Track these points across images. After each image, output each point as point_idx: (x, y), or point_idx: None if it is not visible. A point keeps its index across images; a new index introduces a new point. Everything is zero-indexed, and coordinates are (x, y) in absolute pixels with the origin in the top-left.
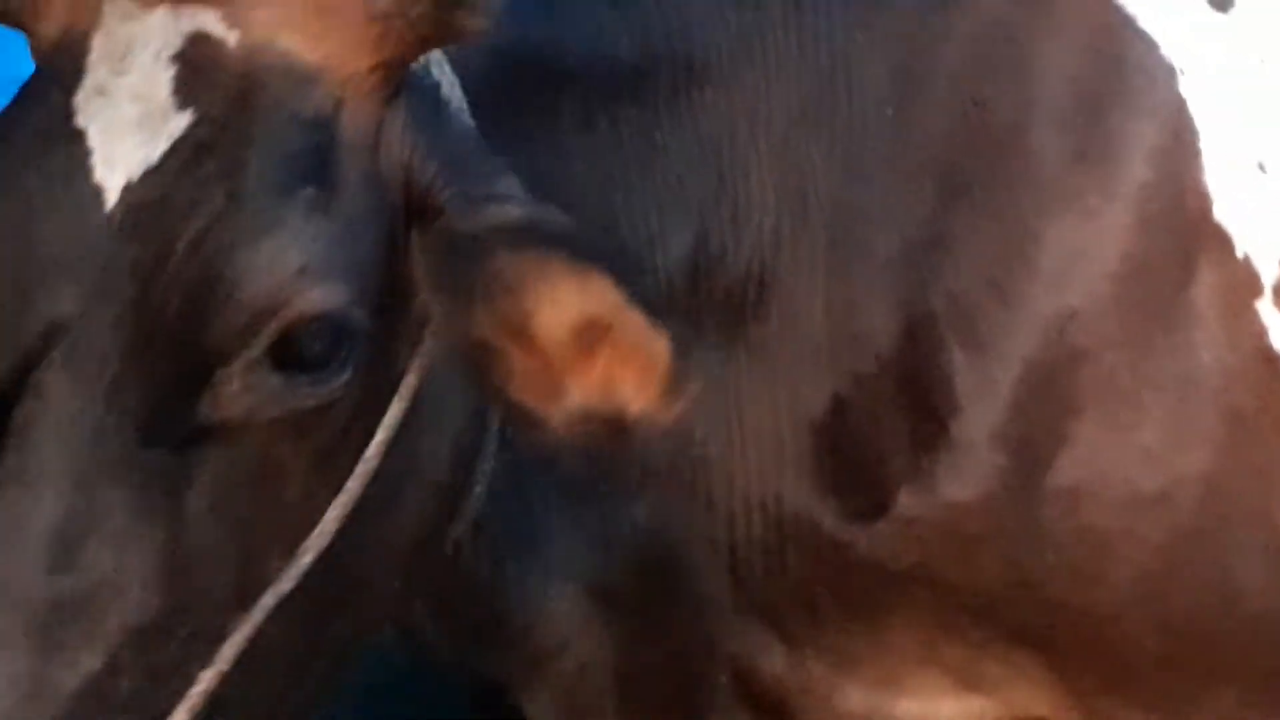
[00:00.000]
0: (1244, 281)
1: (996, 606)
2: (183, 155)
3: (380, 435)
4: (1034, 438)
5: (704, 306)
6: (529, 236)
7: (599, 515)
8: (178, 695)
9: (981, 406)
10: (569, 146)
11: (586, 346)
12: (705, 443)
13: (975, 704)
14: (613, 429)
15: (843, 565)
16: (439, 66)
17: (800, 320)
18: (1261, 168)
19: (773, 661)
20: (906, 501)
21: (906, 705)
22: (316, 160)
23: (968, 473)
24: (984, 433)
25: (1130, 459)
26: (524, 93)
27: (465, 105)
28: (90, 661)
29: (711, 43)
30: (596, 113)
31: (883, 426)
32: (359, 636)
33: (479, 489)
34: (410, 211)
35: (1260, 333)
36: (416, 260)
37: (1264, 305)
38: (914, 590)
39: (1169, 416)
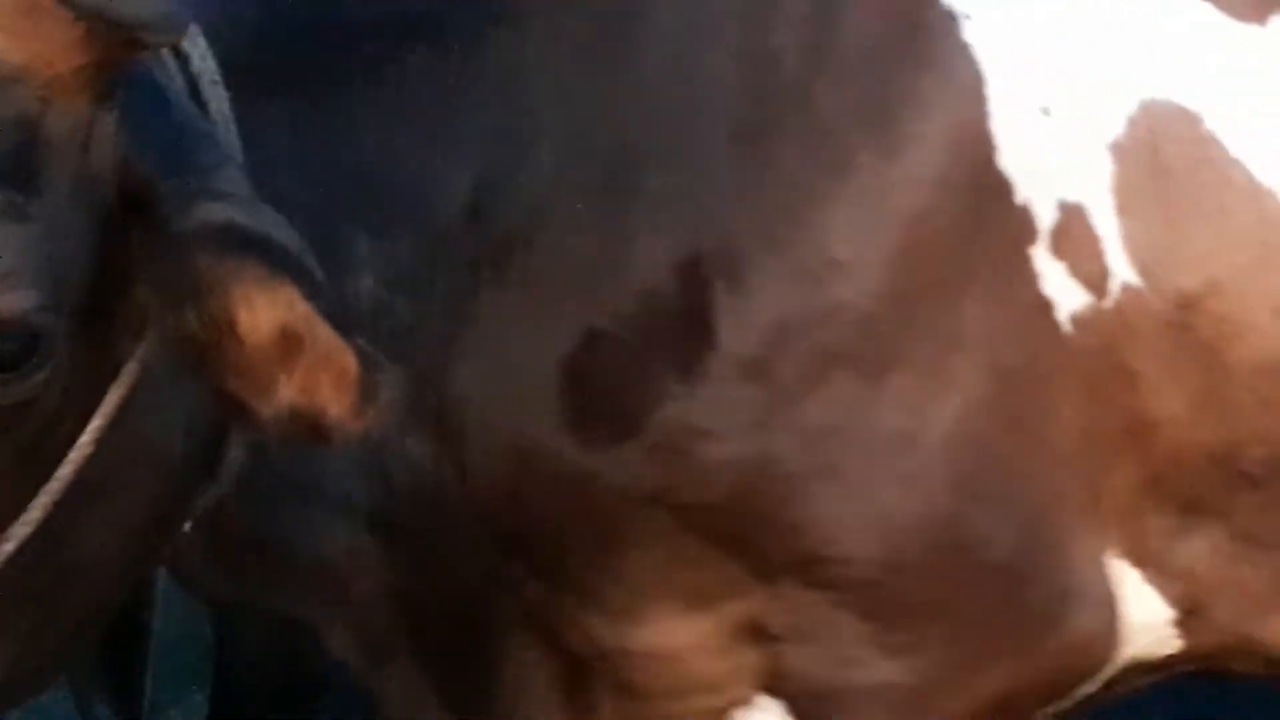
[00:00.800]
0: (1020, 228)
1: (731, 531)
2: None
3: (96, 422)
4: (787, 377)
5: (482, 246)
6: (229, 240)
7: (374, 449)
8: None
9: (739, 344)
10: (356, 98)
11: (287, 351)
12: (467, 380)
13: (706, 625)
14: (313, 430)
15: (583, 495)
16: (191, 41)
17: (569, 256)
18: (1045, 111)
19: (533, 591)
20: (653, 429)
21: (645, 634)
22: (16, 162)
23: (718, 404)
24: (738, 369)
25: (883, 405)
26: (306, 53)
27: (218, 80)
28: None
29: None
30: (385, 61)
31: (636, 358)
32: (95, 609)
33: (234, 454)
34: (127, 207)
35: (1033, 279)
36: (136, 253)
37: (1038, 252)
38: (652, 517)
39: (930, 365)
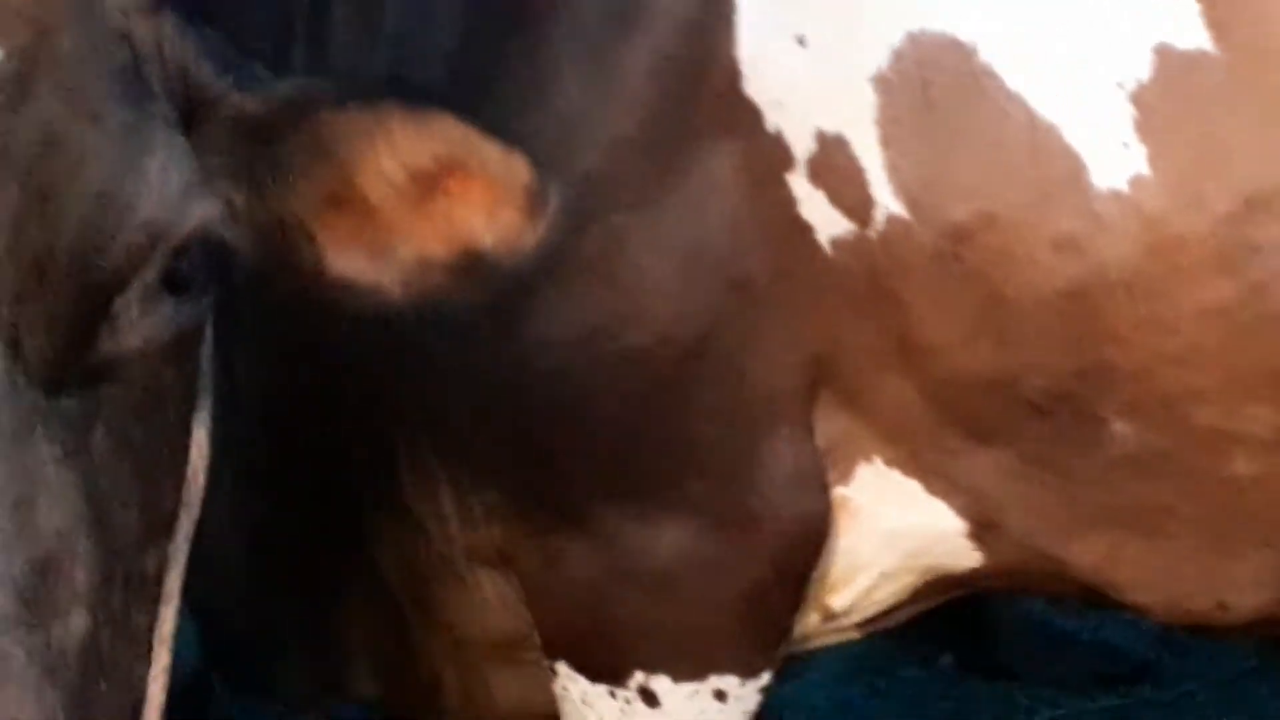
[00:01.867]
0: (774, 154)
1: (473, 445)
2: (6, 91)
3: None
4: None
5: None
6: (349, 95)
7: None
8: (140, 644)
9: None
10: None
11: (424, 191)
12: None
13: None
14: (460, 271)
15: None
16: None
17: None
18: (801, 41)
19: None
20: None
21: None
22: (135, 74)
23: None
24: None
25: (623, 315)
26: None
27: None
28: (79, 623)
29: None
30: None
31: None
32: None
33: None
34: (188, 115)
35: (790, 203)
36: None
37: (795, 178)
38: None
39: (671, 278)
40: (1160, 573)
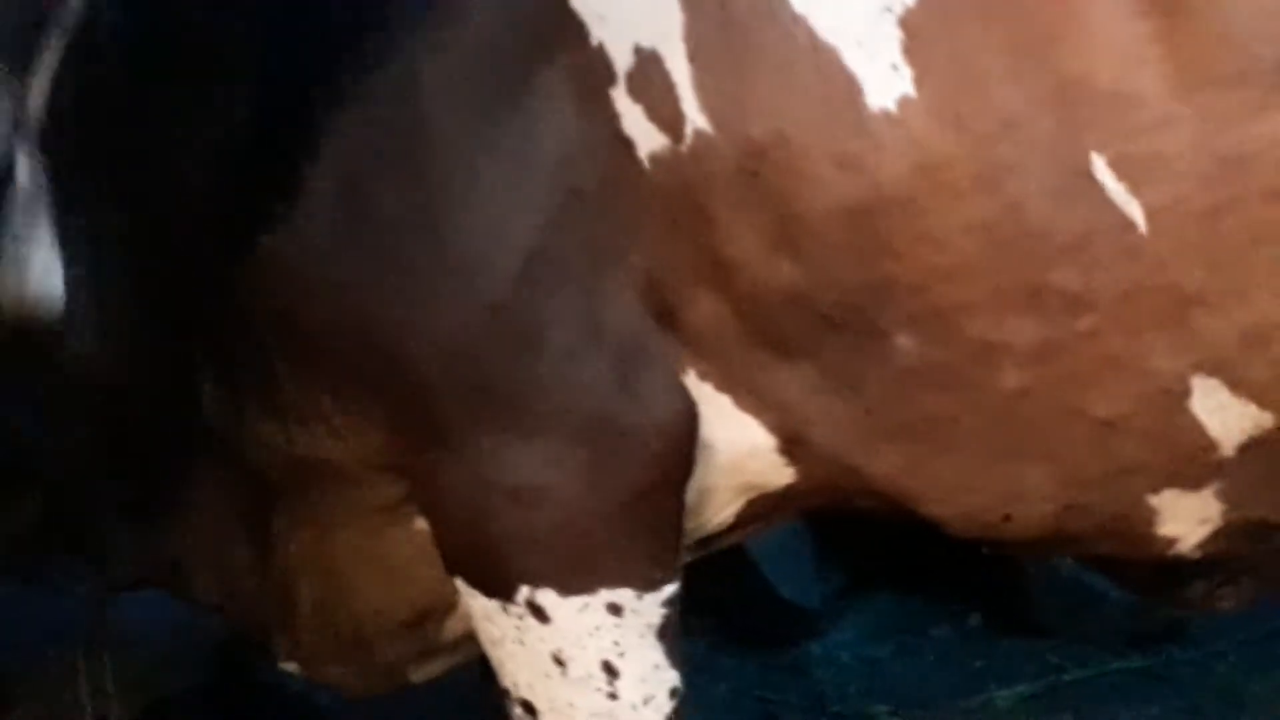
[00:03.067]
0: (598, 68)
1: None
2: None
3: None
4: (371, 193)
5: None
6: None
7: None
8: None
9: (326, 151)
10: None
11: None
12: None
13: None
14: None
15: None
16: None
17: None
18: None
19: (212, 397)
20: (274, 243)
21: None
22: None
23: (308, 212)
24: (325, 177)
25: (462, 226)
26: None
27: None
28: None
29: None
30: None
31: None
32: None
33: None
34: None
35: (614, 118)
36: None
37: (618, 93)
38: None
39: (502, 185)
40: (950, 484)
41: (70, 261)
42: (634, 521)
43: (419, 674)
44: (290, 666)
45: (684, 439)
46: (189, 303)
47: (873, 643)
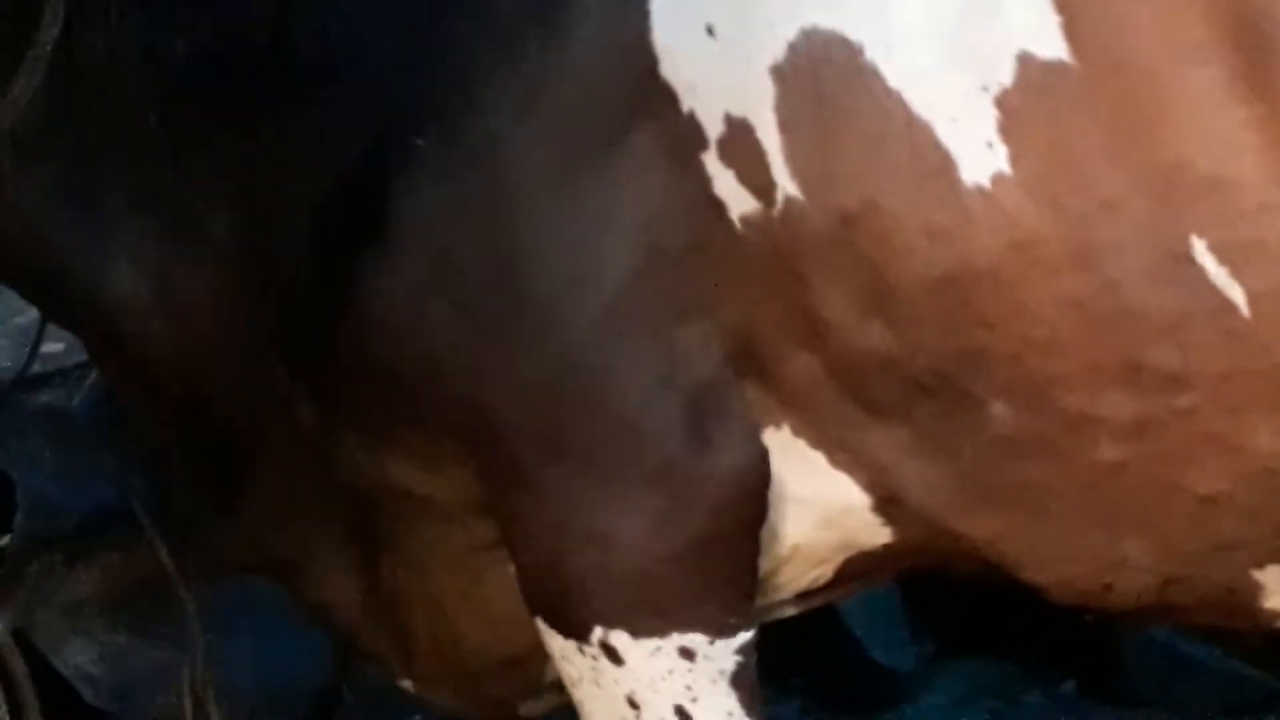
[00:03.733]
0: (689, 134)
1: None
2: None
3: None
4: (454, 248)
5: None
6: None
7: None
8: None
9: (411, 215)
10: None
11: None
12: None
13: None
14: None
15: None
16: None
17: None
18: (710, 31)
19: (307, 415)
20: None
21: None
22: None
23: (392, 270)
24: (409, 238)
25: (540, 281)
26: None
27: None
28: None
29: None
30: None
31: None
32: None
33: None
34: None
35: (705, 182)
36: None
37: (709, 157)
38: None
39: (582, 242)
40: (1048, 552)
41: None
42: (705, 567)
43: (527, 709)
44: (406, 684)
45: (755, 488)
46: (284, 318)
47: (965, 708)
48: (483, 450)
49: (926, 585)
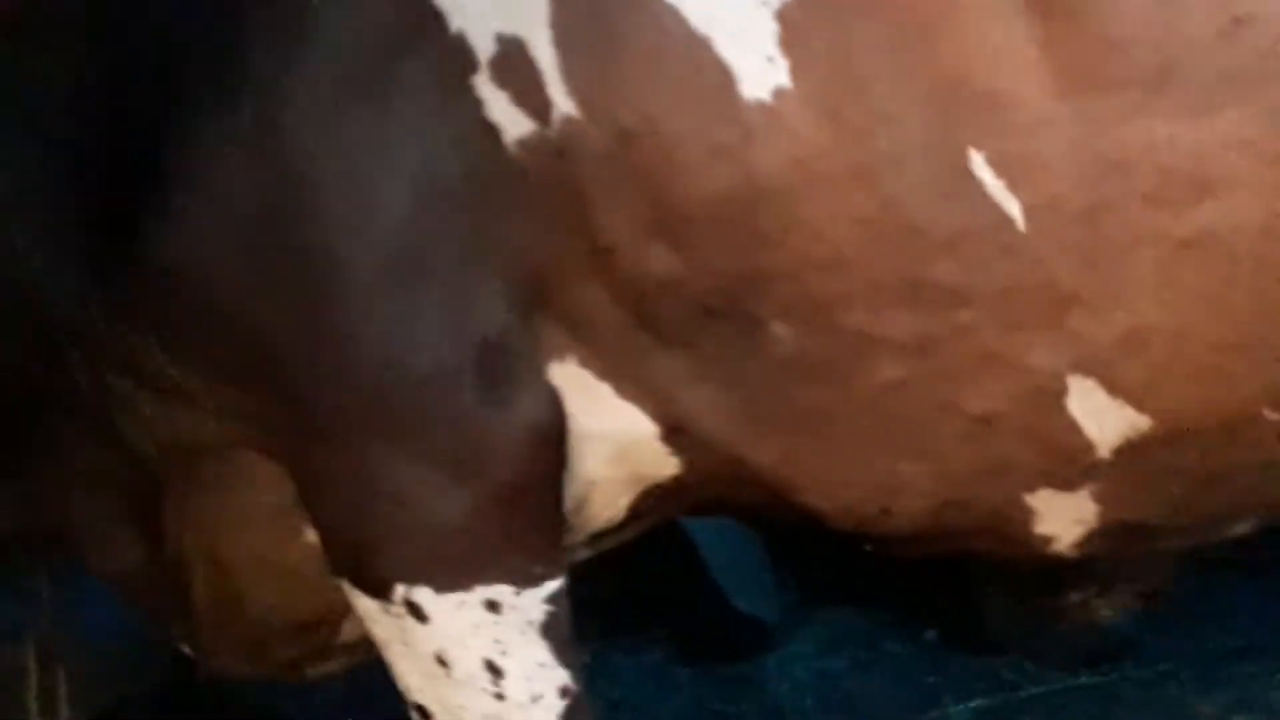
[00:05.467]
0: (459, 56)
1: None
2: None
3: None
4: (239, 201)
5: None
6: None
7: None
8: None
9: (184, 155)
10: None
11: None
12: None
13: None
14: None
15: None
16: None
17: None
18: None
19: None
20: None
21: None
22: None
23: (171, 219)
24: (181, 181)
25: (321, 228)
26: None
27: None
28: None
29: None
30: None
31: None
32: None
33: None
34: None
35: (477, 105)
36: None
37: (481, 80)
38: None
39: (360, 184)
40: (828, 477)
41: None
42: (505, 516)
43: (315, 672)
44: (188, 650)
45: (552, 435)
46: (68, 267)
47: (828, 657)
48: (276, 404)
49: (789, 535)
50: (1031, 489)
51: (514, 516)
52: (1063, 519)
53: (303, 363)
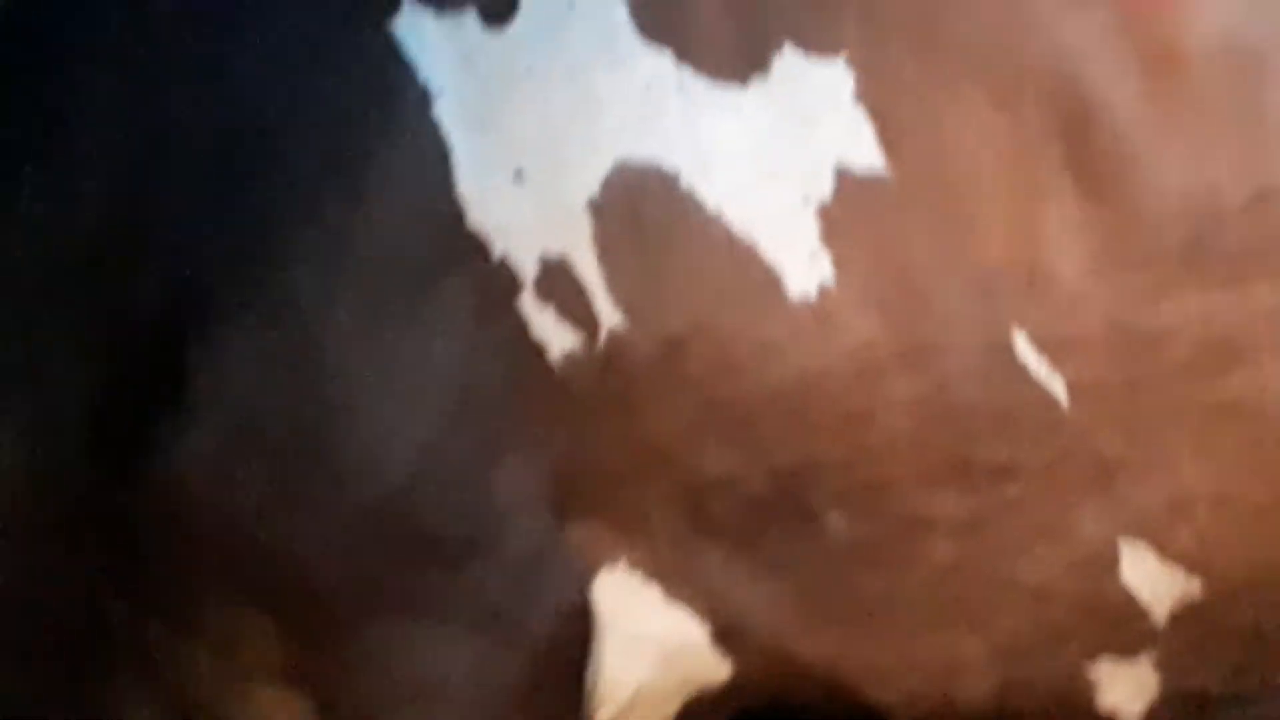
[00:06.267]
0: (502, 279)
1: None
2: None
3: None
4: (259, 409)
5: None
6: None
7: None
8: None
9: (212, 377)
10: None
11: None
12: None
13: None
14: None
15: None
16: None
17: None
18: (519, 175)
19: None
20: (160, 463)
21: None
22: None
23: (195, 434)
24: (211, 400)
25: (350, 435)
26: None
27: None
28: None
29: None
30: None
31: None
32: None
33: None
34: None
35: (521, 324)
36: None
37: (525, 299)
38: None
39: (392, 393)
40: (887, 664)
41: None
42: (530, 712)
43: None
44: None
45: (579, 635)
46: (84, 494)
47: None
48: (295, 614)
49: None
50: (1092, 656)
51: (538, 711)
52: (1126, 690)
53: (330, 567)
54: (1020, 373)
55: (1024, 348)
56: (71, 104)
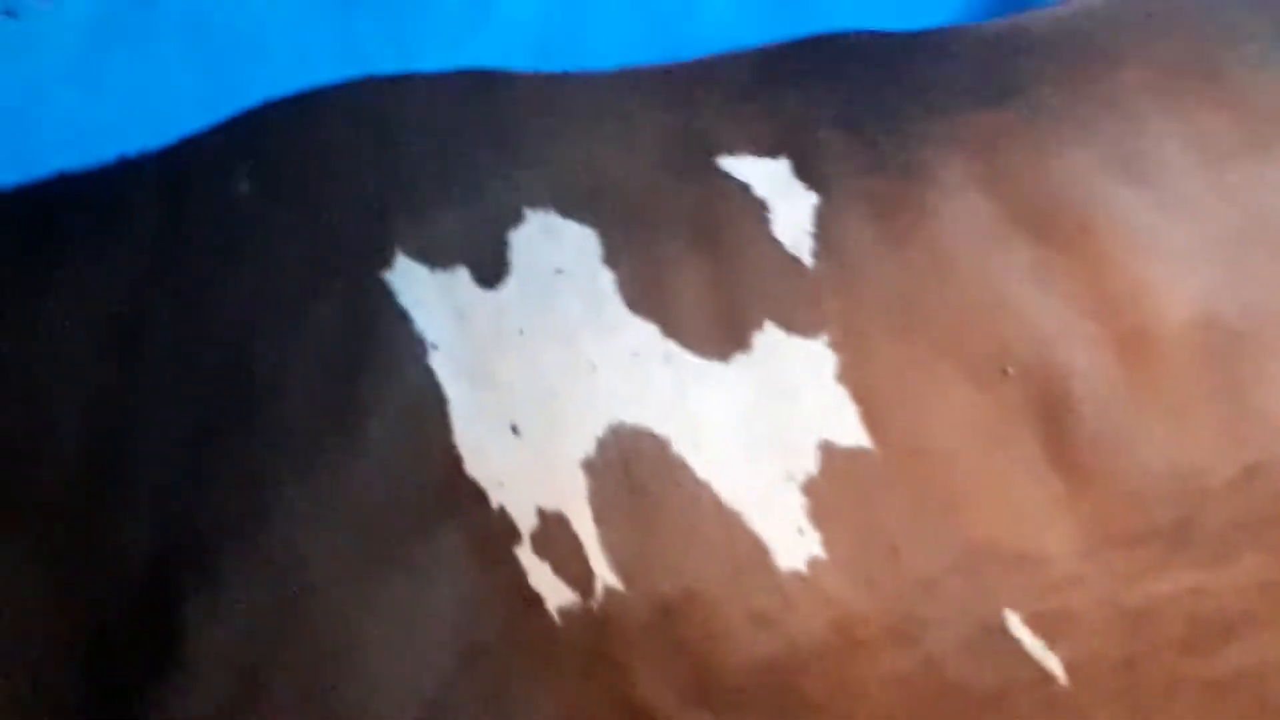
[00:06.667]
0: (500, 529)
1: None
2: None
3: None
4: (259, 664)
5: None
6: None
7: None
8: None
9: (210, 634)
10: None
11: None
12: None
13: None
14: None
15: None
16: None
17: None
18: (515, 429)
19: None
20: (151, 717)
21: None
22: None
23: (196, 693)
24: (211, 658)
25: (351, 689)
26: None
27: None
28: None
29: None
30: None
31: (124, 645)
32: None
33: None
34: None
35: (520, 575)
36: None
37: (523, 551)
38: None
39: (392, 646)
40: None
41: None
42: None
43: None
44: None
45: None
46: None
47: None
48: None
49: None
50: None
51: None
52: None
53: None
54: (1015, 651)
55: (1018, 627)
56: (44, 330)
